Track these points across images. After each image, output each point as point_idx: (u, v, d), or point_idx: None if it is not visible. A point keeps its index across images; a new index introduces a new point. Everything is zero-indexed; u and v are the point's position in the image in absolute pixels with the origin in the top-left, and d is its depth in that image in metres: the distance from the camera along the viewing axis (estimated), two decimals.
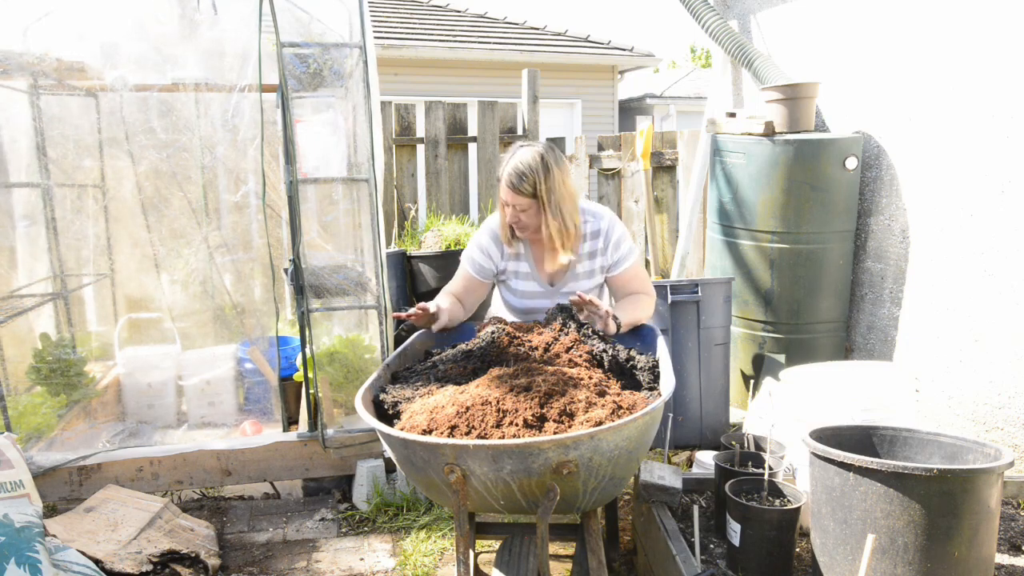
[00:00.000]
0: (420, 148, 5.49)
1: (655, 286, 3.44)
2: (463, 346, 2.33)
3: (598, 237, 2.67)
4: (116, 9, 3.27)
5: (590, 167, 5.85)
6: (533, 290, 2.71)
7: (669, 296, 3.39)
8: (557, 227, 2.52)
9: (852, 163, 3.49)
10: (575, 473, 1.64)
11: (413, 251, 4.85)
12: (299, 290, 3.03)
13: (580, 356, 2.17)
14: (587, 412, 1.79)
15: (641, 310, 2.61)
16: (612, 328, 2.43)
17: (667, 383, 1.99)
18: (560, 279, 2.71)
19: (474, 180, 5.65)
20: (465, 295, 2.72)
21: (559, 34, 12.94)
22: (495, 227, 2.71)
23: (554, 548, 2.70)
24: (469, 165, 5.63)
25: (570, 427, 1.75)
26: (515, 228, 2.60)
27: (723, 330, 3.52)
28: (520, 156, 2.50)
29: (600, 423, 1.74)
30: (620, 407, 1.84)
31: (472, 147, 5.65)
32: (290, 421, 3.28)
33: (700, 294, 3.41)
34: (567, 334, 2.29)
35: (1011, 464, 1.87)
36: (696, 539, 2.15)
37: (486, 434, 1.74)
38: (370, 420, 1.82)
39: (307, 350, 3.08)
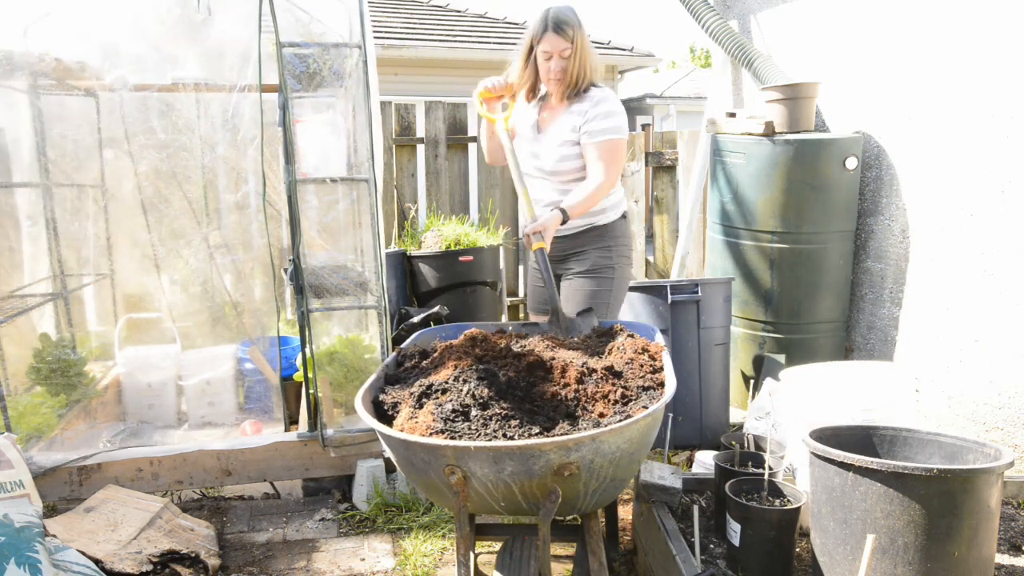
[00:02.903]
0: (420, 148, 5.48)
1: (655, 286, 3.46)
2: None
3: (590, 102, 2.86)
4: (116, 9, 3.27)
5: None
6: (524, 132, 3.00)
7: (669, 296, 3.39)
8: (577, 69, 2.83)
9: (852, 163, 3.49)
10: (576, 475, 1.64)
11: (413, 251, 4.84)
12: (299, 290, 3.03)
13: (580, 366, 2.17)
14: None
15: (590, 194, 2.79)
16: (556, 222, 2.68)
17: (668, 384, 1.99)
18: (544, 129, 2.95)
19: (474, 180, 5.65)
20: None
21: None
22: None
23: (554, 549, 2.70)
24: (469, 165, 5.62)
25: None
26: (555, 79, 2.84)
27: (723, 330, 3.52)
28: (556, 9, 2.83)
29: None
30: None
31: (472, 147, 5.64)
32: (290, 421, 3.29)
33: (700, 294, 3.41)
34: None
35: (1011, 464, 1.87)
36: (696, 539, 2.15)
37: None
38: (370, 421, 1.82)
39: (307, 350, 3.08)
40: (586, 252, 2.93)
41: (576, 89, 2.87)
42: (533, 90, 3.00)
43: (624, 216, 3.03)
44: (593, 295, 2.90)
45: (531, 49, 2.89)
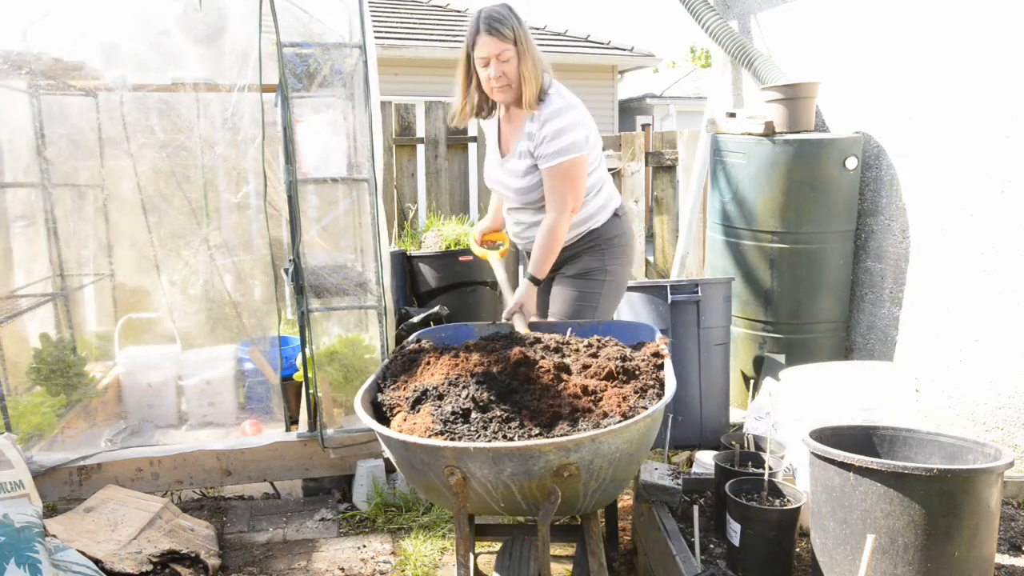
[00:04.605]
0: (420, 148, 5.48)
1: (655, 286, 3.46)
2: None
3: (538, 122, 2.58)
4: (116, 9, 3.27)
5: None
6: (494, 159, 2.76)
7: (669, 296, 3.39)
8: (531, 70, 2.51)
9: (852, 163, 3.49)
10: (576, 476, 1.64)
11: (413, 251, 4.84)
12: (299, 290, 3.03)
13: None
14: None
15: (544, 246, 2.59)
16: (532, 291, 2.58)
17: (668, 384, 1.99)
18: (506, 152, 2.71)
19: (474, 180, 5.65)
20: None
21: (559, 34, 12.94)
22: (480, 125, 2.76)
23: (554, 549, 2.70)
24: (469, 165, 5.63)
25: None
26: (497, 86, 2.54)
27: (723, 330, 3.52)
28: (489, 8, 2.50)
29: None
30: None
31: (472, 147, 5.65)
32: (290, 421, 3.29)
33: (700, 294, 3.41)
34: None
35: (1011, 464, 1.87)
36: (696, 539, 2.15)
37: None
38: (369, 422, 1.81)
39: (307, 350, 3.08)
40: (578, 256, 2.79)
41: (527, 98, 2.55)
42: (483, 107, 2.71)
43: (617, 214, 2.83)
44: (579, 298, 2.77)
45: (468, 58, 2.59)
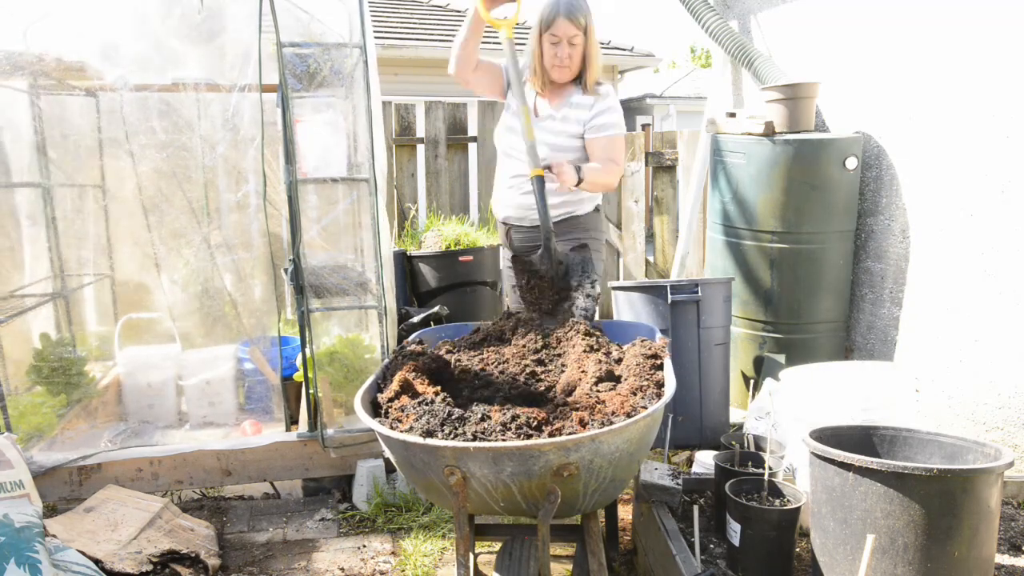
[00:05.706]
0: (420, 148, 5.48)
1: (655, 286, 3.46)
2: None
3: (596, 96, 2.91)
4: (116, 9, 3.27)
5: None
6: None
7: (669, 296, 3.38)
8: (594, 56, 2.87)
9: (852, 163, 3.49)
10: (576, 475, 1.64)
11: (413, 251, 4.84)
12: (299, 290, 3.03)
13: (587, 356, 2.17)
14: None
15: (605, 174, 2.86)
16: (573, 177, 2.69)
17: (668, 384, 1.99)
18: (541, 114, 2.98)
19: (474, 180, 5.65)
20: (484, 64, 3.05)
21: None
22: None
23: (554, 549, 2.70)
24: (469, 165, 5.63)
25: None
26: (559, 64, 2.85)
27: (723, 330, 3.52)
28: None
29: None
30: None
31: (472, 147, 5.65)
32: (291, 421, 3.29)
33: (700, 294, 3.41)
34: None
35: (1011, 464, 1.87)
36: (696, 539, 2.15)
37: None
38: (369, 422, 1.82)
39: (307, 350, 3.08)
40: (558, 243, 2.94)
41: (580, 80, 2.89)
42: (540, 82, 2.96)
43: (597, 209, 3.07)
44: None
45: (540, 36, 2.87)
